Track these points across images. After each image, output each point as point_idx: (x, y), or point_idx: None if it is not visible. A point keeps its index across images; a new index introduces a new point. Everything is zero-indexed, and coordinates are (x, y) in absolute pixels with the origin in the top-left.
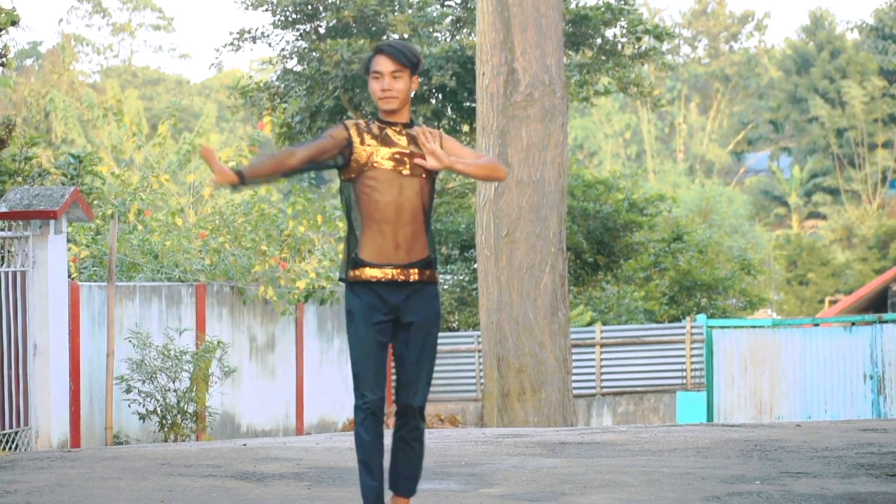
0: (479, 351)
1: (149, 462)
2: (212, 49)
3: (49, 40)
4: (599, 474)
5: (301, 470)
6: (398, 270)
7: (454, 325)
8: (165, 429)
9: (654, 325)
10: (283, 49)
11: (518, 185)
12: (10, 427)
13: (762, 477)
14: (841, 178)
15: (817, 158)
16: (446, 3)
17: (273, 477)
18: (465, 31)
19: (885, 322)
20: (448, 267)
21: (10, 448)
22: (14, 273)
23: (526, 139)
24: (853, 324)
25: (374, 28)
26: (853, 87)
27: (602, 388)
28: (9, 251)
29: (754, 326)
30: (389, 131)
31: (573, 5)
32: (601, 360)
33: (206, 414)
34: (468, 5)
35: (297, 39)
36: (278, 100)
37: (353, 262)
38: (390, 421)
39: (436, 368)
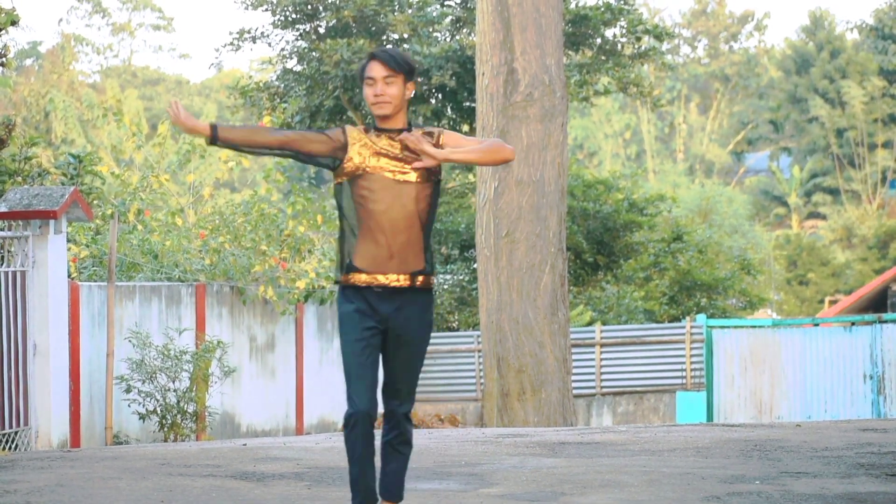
0: (479, 351)
1: (149, 462)
2: (212, 49)
3: (49, 40)
4: (599, 474)
5: (301, 470)
6: (390, 279)
7: (454, 324)
8: (165, 429)
9: (654, 325)
10: (282, 49)
11: (518, 185)
12: (10, 427)
13: (762, 477)
14: (841, 178)
15: (817, 158)
16: (446, 2)
17: (273, 477)
18: (464, 30)
19: (885, 322)
20: (448, 267)
21: (10, 448)
22: (14, 273)
23: (526, 139)
24: (853, 324)
25: (373, 28)
26: (853, 87)
27: (602, 388)
28: (9, 251)
29: (754, 326)
30: (384, 138)
31: (573, 5)
32: (601, 360)
33: (206, 414)
34: (468, 5)
35: (296, 39)
36: (278, 100)
37: (347, 267)
38: None
39: (436, 368)
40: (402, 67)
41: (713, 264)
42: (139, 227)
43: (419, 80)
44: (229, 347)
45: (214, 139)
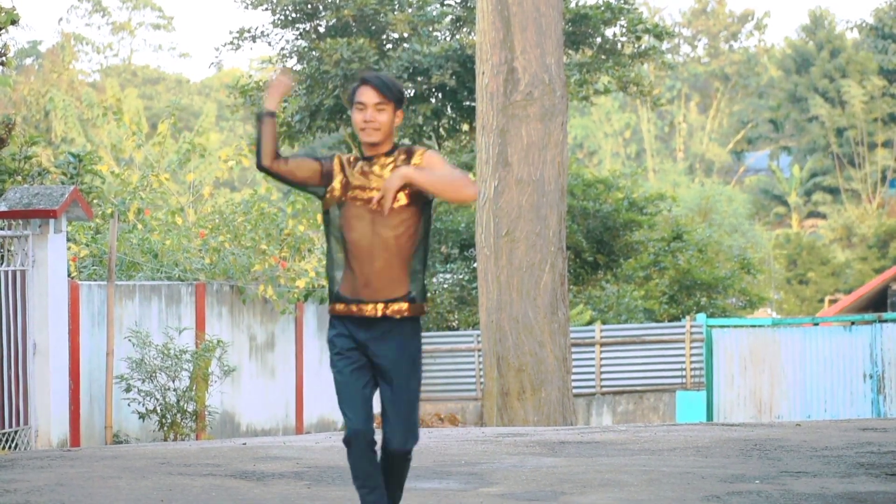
0: (479, 350)
1: (148, 461)
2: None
3: (49, 39)
4: (599, 473)
5: (301, 469)
6: (366, 307)
7: (454, 323)
8: (165, 428)
9: (654, 325)
10: (282, 48)
11: (518, 184)
12: (10, 426)
13: (762, 476)
14: (841, 178)
15: (817, 158)
16: (446, 2)
17: (273, 476)
18: (464, 30)
19: (885, 321)
20: (448, 266)
21: (10, 447)
22: (14, 272)
23: (526, 138)
24: (853, 323)
25: (373, 27)
26: (853, 87)
27: (602, 387)
28: (8, 250)
29: (754, 326)
30: (367, 166)
31: (573, 4)
32: (601, 359)
33: (206, 413)
34: (468, 4)
35: (296, 38)
36: None
37: (334, 296)
38: None
39: (436, 367)
40: (394, 96)
41: (713, 263)
42: (139, 226)
43: (419, 79)
44: (229, 346)
45: (266, 115)
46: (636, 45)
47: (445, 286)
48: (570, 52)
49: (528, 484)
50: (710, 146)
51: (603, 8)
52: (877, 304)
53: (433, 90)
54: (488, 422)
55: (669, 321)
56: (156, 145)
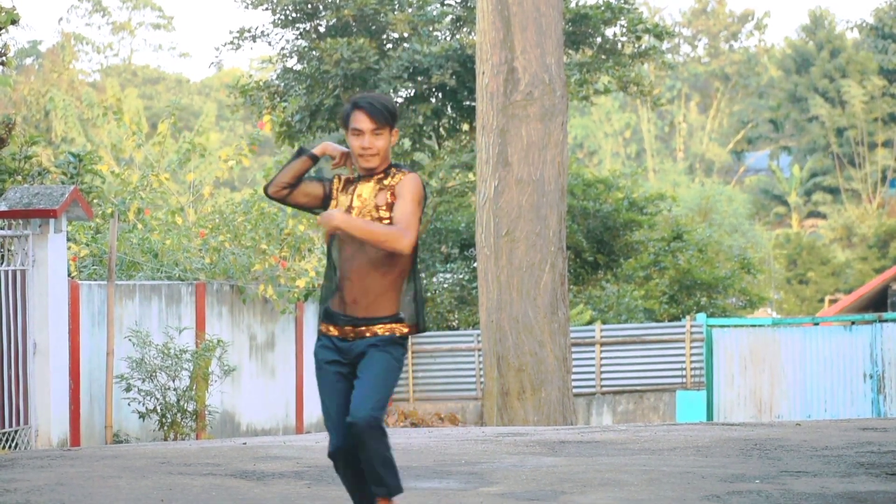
0: (479, 350)
1: (148, 461)
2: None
3: (49, 39)
4: (599, 473)
5: (301, 469)
6: (350, 327)
7: (454, 323)
8: (165, 427)
9: (654, 324)
10: (282, 48)
11: (518, 184)
12: (10, 426)
13: (762, 476)
14: (841, 178)
15: (817, 157)
16: (446, 1)
17: (273, 475)
18: (465, 29)
19: (885, 321)
20: (448, 266)
21: (10, 447)
22: (14, 272)
23: (526, 138)
24: (853, 323)
25: (373, 27)
26: (853, 87)
27: (602, 386)
28: (9, 250)
29: (754, 325)
30: (359, 185)
31: (573, 4)
32: (601, 358)
33: (206, 412)
34: (468, 4)
35: (296, 38)
36: (278, 99)
37: (323, 312)
38: (390, 420)
39: (436, 367)
40: (390, 121)
41: (713, 263)
42: (139, 225)
43: (419, 78)
44: (229, 346)
45: (307, 154)
46: (636, 45)
47: (445, 286)
48: (570, 51)
49: (528, 483)
50: (711, 146)
51: (603, 8)
52: (877, 303)
53: (433, 90)
54: (488, 421)
55: (669, 321)
56: (156, 145)
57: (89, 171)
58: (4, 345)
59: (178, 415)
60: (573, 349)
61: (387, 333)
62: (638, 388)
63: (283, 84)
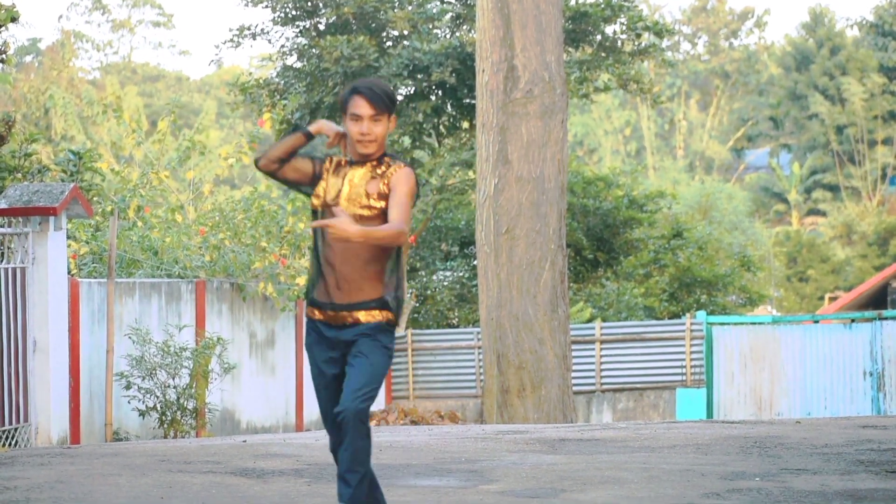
0: (479, 347)
1: (148, 458)
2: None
3: (49, 37)
4: (599, 471)
5: (301, 466)
6: (335, 312)
7: (454, 321)
8: (165, 425)
9: (654, 322)
10: (282, 46)
11: (518, 182)
12: (10, 423)
13: (762, 473)
14: (841, 175)
15: (817, 155)
16: None
17: (273, 473)
18: (465, 27)
19: (885, 319)
20: (448, 263)
21: (10, 444)
22: (14, 270)
23: (526, 136)
24: (853, 321)
25: (373, 24)
26: (853, 84)
27: (602, 384)
28: (8, 248)
29: (754, 323)
30: (350, 170)
31: (573, 2)
32: (601, 356)
33: (206, 410)
34: (468, 2)
35: (296, 36)
36: (278, 96)
37: (309, 299)
38: (390, 418)
39: (436, 365)
40: (389, 108)
41: (713, 261)
42: (139, 223)
43: (419, 76)
44: (229, 344)
45: (302, 131)
46: (636, 43)
47: (445, 283)
48: (570, 49)
49: (528, 481)
50: (710, 144)
51: (603, 5)
52: (877, 301)
53: (433, 88)
54: (488, 419)
55: (669, 318)
56: (156, 143)
57: (89, 168)
58: (4, 342)
59: (178, 412)
60: (573, 347)
61: (372, 321)
62: (638, 385)
63: (282, 82)
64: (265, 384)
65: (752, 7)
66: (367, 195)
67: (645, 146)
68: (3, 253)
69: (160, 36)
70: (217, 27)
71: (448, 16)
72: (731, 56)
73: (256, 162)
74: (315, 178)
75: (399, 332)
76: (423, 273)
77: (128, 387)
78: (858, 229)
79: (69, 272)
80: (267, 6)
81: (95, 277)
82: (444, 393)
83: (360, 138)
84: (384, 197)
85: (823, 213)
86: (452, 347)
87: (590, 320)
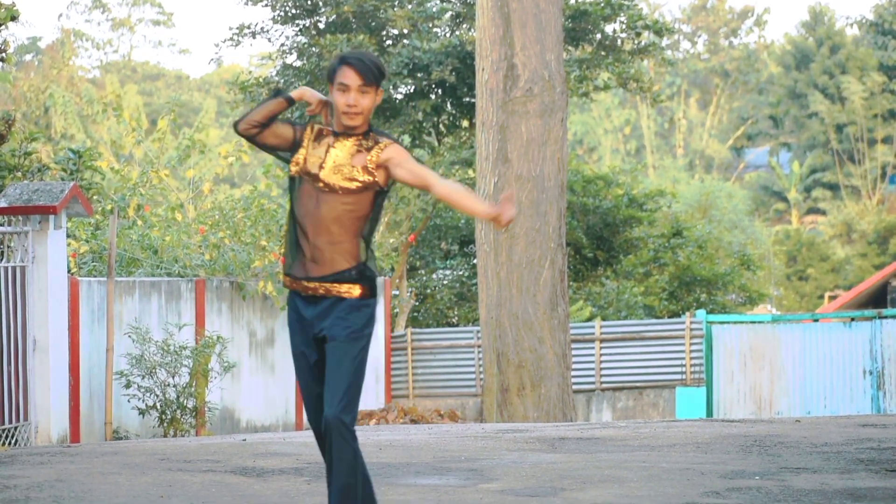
0: (479, 346)
1: (148, 457)
2: (211, 44)
3: (48, 36)
4: (599, 469)
5: (300, 465)
6: (311, 284)
7: (454, 320)
8: (165, 424)
9: (654, 321)
10: (282, 44)
11: (518, 181)
12: (10, 422)
13: (762, 472)
14: (840, 174)
15: (817, 154)
16: None
17: (273, 472)
18: (464, 26)
19: (885, 318)
20: (448, 262)
21: (10, 443)
22: (14, 268)
23: (525, 134)
24: (853, 319)
25: (373, 23)
26: (853, 83)
27: (601, 383)
28: (8, 246)
29: (754, 322)
30: (336, 141)
31: (573, 1)
32: (601, 355)
33: (206, 409)
34: (468, 1)
35: (296, 35)
36: None
37: (286, 269)
38: (390, 416)
39: (436, 364)
40: (378, 79)
41: (713, 260)
42: (139, 222)
43: (419, 75)
44: (229, 343)
45: (283, 96)
46: (636, 42)
47: (445, 282)
48: (569, 48)
49: (527, 480)
50: (710, 142)
51: (603, 4)
52: (877, 300)
53: (433, 86)
54: (488, 418)
55: (669, 317)
56: (155, 142)
57: (89, 167)
58: (4, 341)
59: (178, 411)
60: (573, 345)
61: (348, 296)
62: (637, 384)
63: (282, 80)
64: (265, 383)
65: (752, 6)
66: (353, 167)
67: (645, 145)
68: (2, 252)
69: (160, 34)
70: (217, 26)
71: (448, 14)
72: (731, 55)
73: (236, 125)
74: (295, 145)
75: (399, 330)
76: (423, 272)
77: (127, 385)
78: (858, 228)
79: (69, 271)
80: (267, 5)
81: (95, 276)
82: (444, 392)
83: (346, 109)
84: (369, 172)
85: (823, 212)
86: (452, 346)
87: (589, 319)
